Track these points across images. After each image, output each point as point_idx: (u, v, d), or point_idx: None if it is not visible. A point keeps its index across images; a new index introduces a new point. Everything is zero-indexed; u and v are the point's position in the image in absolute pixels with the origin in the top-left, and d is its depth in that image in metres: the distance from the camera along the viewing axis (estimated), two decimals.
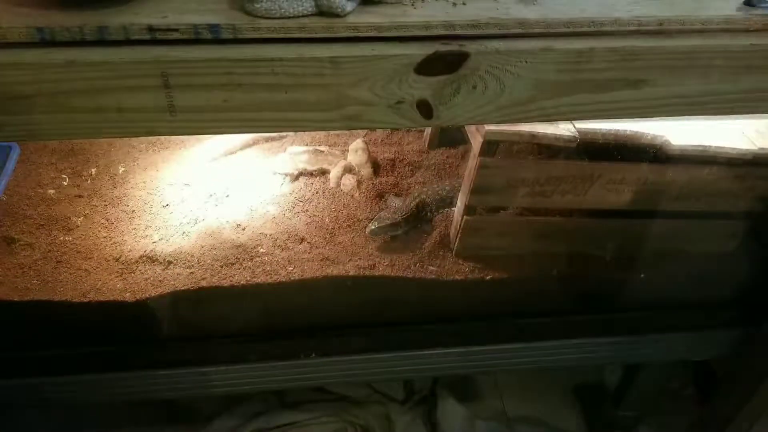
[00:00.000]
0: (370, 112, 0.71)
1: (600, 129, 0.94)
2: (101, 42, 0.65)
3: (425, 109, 0.72)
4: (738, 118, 1.00)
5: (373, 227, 1.10)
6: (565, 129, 0.94)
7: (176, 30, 0.66)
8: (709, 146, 0.96)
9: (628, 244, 1.11)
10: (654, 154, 0.97)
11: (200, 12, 0.67)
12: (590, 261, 1.13)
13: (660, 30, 0.71)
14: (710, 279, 1.18)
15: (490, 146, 0.95)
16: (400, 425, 1.53)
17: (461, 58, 0.69)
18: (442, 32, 0.69)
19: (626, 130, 0.94)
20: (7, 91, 0.64)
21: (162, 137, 1.38)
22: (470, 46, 0.68)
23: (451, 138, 1.33)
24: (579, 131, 0.93)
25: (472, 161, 0.99)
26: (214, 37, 0.66)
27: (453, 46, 0.68)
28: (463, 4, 0.72)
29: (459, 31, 0.69)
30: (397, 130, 1.36)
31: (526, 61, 0.69)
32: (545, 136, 0.93)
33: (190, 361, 1.11)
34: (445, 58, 0.68)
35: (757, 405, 1.25)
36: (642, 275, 1.14)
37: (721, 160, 0.97)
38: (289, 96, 0.68)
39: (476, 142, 0.97)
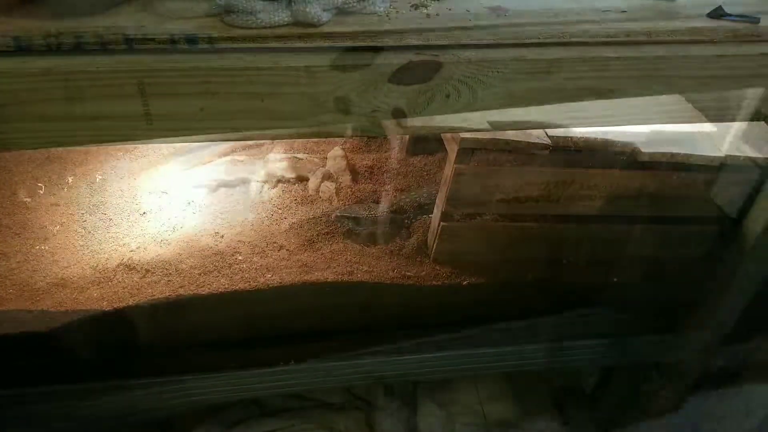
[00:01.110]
0: (345, 121, 0.72)
1: (572, 136, 0.95)
2: (78, 50, 0.65)
3: (400, 117, 0.73)
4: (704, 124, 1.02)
5: (338, 213, 1.12)
6: (537, 137, 0.96)
7: (153, 39, 0.66)
8: (677, 153, 0.98)
9: (600, 249, 1.13)
10: (625, 160, 0.99)
11: (176, 21, 0.68)
12: (564, 266, 1.15)
13: (627, 41, 0.73)
14: (683, 283, 1.21)
15: (466, 154, 0.97)
16: (381, 430, 1.54)
17: (435, 67, 0.70)
18: (415, 42, 0.70)
19: (597, 138, 0.96)
20: None
21: (141, 145, 1.38)
22: (443, 56, 0.70)
23: (429, 146, 1.34)
24: (551, 138, 0.95)
25: (448, 168, 1.00)
26: (191, 46, 0.67)
27: (426, 56, 0.70)
28: (437, 15, 0.73)
29: (432, 42, 0.70)
30: (374, 138, 1.38)
31: (498, 71, 0.71)
32: (518, 143, 0.95)
33: (169, 371, 1.11)
34: (419, 67, 0.70)
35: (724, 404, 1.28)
36: (614, 279, 1.16)
37: (688, 166, 1.00)
38: (266, 104, 0.69)
39: (452, 150, 0.99)
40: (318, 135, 0.73)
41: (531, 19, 0.73)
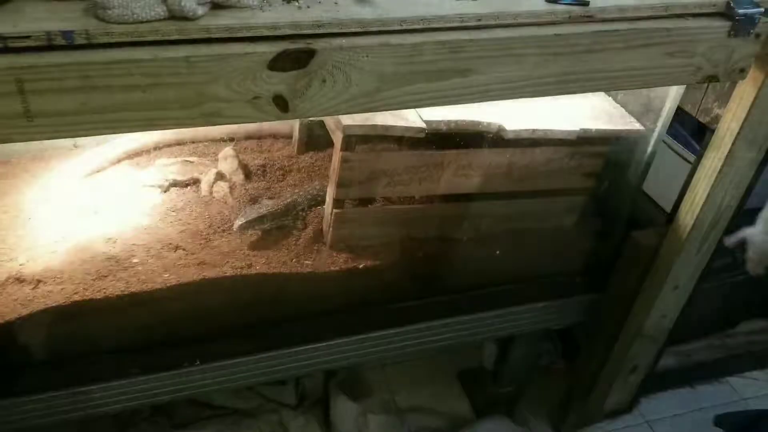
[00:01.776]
0: (229, 108, 0.76)
1: (444, 119, 1.04)
2: None
3: (281, 103, 0.78)
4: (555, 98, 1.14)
5: (240, 222, 1.14)
6: (413, 121, 1.03)
7: (28, 37, 0.67)
8: (538, 129, 1.09)
9: (482, 225, 1.23)
10: (492, 138, 1.08)
11: (53, 20, 0.70)
12: (451, 243, 1.23)
13: (479, 25, 0.81)
14: (558, 252, 1.32)
15: (350, 141, 1.03)
16: (295, 430, 1.56)
17: (309, 54, 0.75)
18: (289, 32, 0.75)
19: (465, 120, 1.05)
20: None
21: (24, 159, 1.34)
22: (316, 44, 0.75)
23: (318, 143, 1.40)
24: (426, 122, 1.03)
25: (336, 157, 1.06)
26: (68, 42, 0.69)
27: (300, 44, 0.75)
28: (308, 7, 0.79)
29: (305, 31, 0.76)
30: (262, 137, 1.42)
31: (367, 56, 0.77)
32: (396, 128, 1.02)
33: (66, 382, 1.09)
34: (294, 54, 0.75)
35: (613, 366, 1.41)
36: (497, 252, 1.25)
37: (550, 141, 1.11)
38: (148, 95, 0.72)
39: (337, 139, 1.05)
40: (203, 123, 0.76)
41: (394, 8, 0.80)
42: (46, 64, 0.68)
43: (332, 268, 1.15)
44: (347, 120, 1.00)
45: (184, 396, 1.39)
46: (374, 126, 1.01)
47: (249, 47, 0.73)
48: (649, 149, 1.18)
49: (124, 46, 0.70)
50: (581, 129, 1.11)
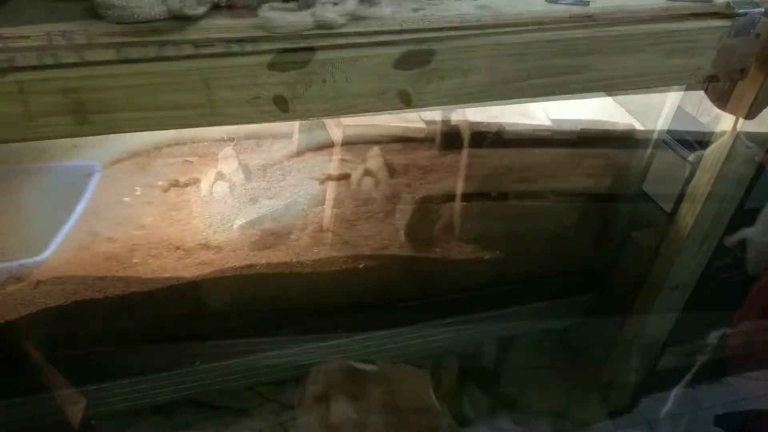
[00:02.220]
0: (231, 108, 0.76)
1: (442, 119, 1.04)
2: None
3: (282, 103, 0.78)
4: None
5: (240, 222, 1.16)
6: (414, 121, 1.03)
7: (28, 37, 0.68)
8: (538, 127, 1.09)
9: (479, 225, 1.23)
10: (491, 138, 1.08)
11: (53, 20, 0.70)
12: (449, 243, 1.23)
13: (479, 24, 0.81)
14: (558, 252, 1.32)
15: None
16: (295, 430, 1.56)
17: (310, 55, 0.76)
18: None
19: (466, 119, 1.05)
20: None
21: (23, 161, 1.35)
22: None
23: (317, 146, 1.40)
24: (426, 122, 1.03)
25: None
26: (68, 42, 0.69)
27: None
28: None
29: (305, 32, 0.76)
30: (262, 137, 1.42)
31: (366, 57, 0.77)
32: (397, 127, 1.02)
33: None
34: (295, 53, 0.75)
35: (613, 366, 1.41)
36: (497, 252, 1.25)
37: (549, 140, 1.11)
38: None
39: (338, 142, 1.05)
40: (207, 123, 0.77)
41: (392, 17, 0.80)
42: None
43: (331, 269, 1.15)
44: (347, 120, 1.01)
45: (183, 396, 1.40)
46: (373, 125, 1.01)
47: (250, 46, 0.74)
48: (649, 149, 1.18)
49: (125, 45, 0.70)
50: (581, 129, 1.11)
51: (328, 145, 1.24)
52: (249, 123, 0.80)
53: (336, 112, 0.80)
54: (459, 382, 1.57)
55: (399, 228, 1.15)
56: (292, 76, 0.76)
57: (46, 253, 1.11)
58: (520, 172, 1.15)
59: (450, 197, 1.16)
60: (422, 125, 1.04)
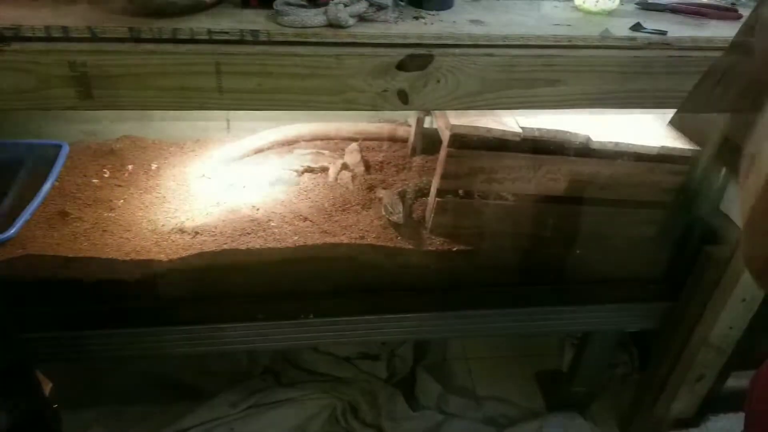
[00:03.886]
0: (362, 98, 0.99)
1: (537, 127, 1.22)
2: (173, 41, 0.92)
3: (403, 96, 0.99)
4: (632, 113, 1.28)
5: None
6: (511, 126, 1.22)
7: (227, 32, 0.94)
8: (621, 142, 1.24)
9: (566, 227, 1.38)
10: (579, 148, 1.24)
11: (244, 22, 0.96)
12: (540, 241, 1.39)
13: (570, 44, 1.00)
14: (637, 260, 1.44)
15: (456, 139, 1.23)
16: (383, 399, 1.75)
17: (428, 59, 0.97)
18: (415, 41, 0.97)
19: (556, 129, 1.23)
20: None
21: (190, 142, 1.66)
22: (434, 51, 0.97)
23: (429, 149, 1.61)
24: (522, 128, 1.22)
25: (442, 152, 1.27)
26: (254, 38, 0.94)
27: (422, 51, 0.97)
28: (431, 23, 1.01)
29: (427, 41, 0.97)
30: (382, 140, 1.65)
31: (475, 64, 0.98)
32: (496, 131, 1.21)
33: (207, 318, 1.35)
34: (417, 59, 0.97)
35: (680, 373, 1.50)
36: (578, 252, 1.40)
37: (631, 154, 1.25)
38: (306, 83, 0.96)
39: (445, 137, 1.25)
40: (342, 108, 0.99)
41: (500, 27, 1.00)
42: (238, 52, 0.93)
43: (429, 249, 1.35)
44: (455, 121, 1.21)
45: (296, 346, 1.61)
46: (477, 128, 1.21)
47: (384, 51, 0.96)
48: (725, 169, 1.30)
49: (293, 44, 0.95)
50: (661, 146, 1.25)
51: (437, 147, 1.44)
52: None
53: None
54: None
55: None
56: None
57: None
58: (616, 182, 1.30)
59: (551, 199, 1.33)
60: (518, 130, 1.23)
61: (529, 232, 1.38)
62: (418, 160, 1.60)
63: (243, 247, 1.30)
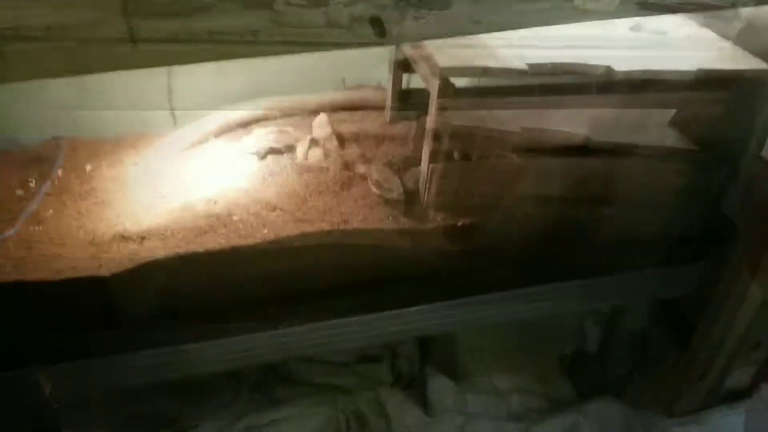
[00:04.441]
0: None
1: (547, 60, 0.98)
2: None
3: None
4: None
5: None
6: (514, 63, 0.98)
7: None
8: (648, 69, 1.00)
9: (587, 184, 1.16)
10: (599, 83, 1.01)
11: None
12: (553, 202, 1.17)
13: None
14: (670, 217, 1.23)
15: (447, 86, 1.00)
16: (392, 406, 1.53)
17: None
18: None
19: (570, 62, 0.99)
20: None
21: (130, 138, 1.41)
22: None
23: (410, 114, 1.38)
24: (529, 64, 0.98)
25: (432, 105, 1.03)
26: None
27: None
28: None
29: None
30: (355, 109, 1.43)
31: None
32: (496, 69, 0.98)
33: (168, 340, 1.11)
34: None
35: (732, 341, 1.29)
36: (602, 214, 1.17)
37: (661, 84, 1.02)
38: None
39: (433, 86, 1.02)
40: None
41: None
42: None
43: (430, 227, 1.12)
44: (445, 62, 0.97)
45: (281, 358, 1.40)
46: (472, 68, 0.98)
47: None
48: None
49: None
50: (699, 69, 1.01)
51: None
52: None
53: None
54: None
55: None
56: None
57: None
58: None
59: None
60: None
61: (544, 194, 1.16)
62: (399, 126, 1.37)
63: (201, 249, 1.07)
